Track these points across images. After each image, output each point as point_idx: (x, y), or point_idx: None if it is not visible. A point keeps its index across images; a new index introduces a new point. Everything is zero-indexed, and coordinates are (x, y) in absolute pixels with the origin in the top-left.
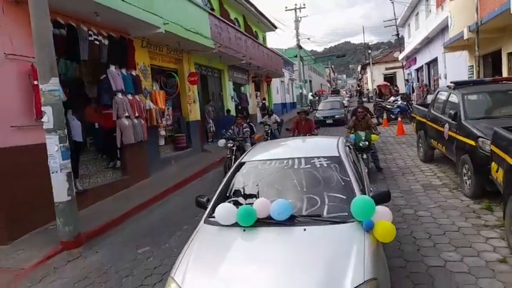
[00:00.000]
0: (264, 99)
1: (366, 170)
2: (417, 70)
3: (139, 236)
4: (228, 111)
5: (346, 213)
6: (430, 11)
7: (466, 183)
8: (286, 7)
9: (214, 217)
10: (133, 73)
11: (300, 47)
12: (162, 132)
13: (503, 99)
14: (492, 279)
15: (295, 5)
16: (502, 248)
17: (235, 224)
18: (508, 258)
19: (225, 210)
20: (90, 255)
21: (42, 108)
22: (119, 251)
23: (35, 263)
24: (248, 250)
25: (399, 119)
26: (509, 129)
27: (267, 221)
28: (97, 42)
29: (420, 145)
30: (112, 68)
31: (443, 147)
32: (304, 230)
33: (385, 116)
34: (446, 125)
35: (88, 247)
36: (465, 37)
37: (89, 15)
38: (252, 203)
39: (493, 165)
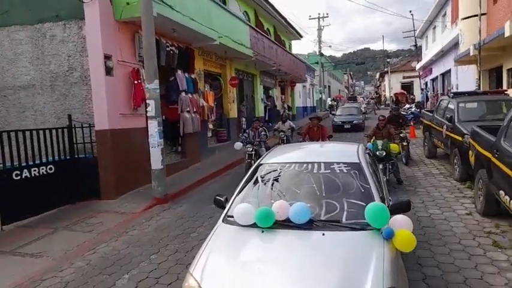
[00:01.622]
0: (283, 102)
1: (385, 179)
2: (433, 80)
3: (207, 198)
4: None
5: (366, 221)
6: (445, 26)
7: (456, 170)
8: (310, 16)
9: (232, 217)
10: (193, 76)
11: (321, 55)
12: (210, 126)
13: (490, 107)
14: (459, 222)
15: (319, 14)
16: (471, 208)
17: (254, 225)
18: (473, 213)
19: (243, 211)
20: (177, 207)
21: (147, 101)
22: (198, 205)
23: (141, 209)
24: (266, 251)
25: (411, 124)
26: (482, 128)
27: (286, 224)
28: (171, 52)
29: (426, 144)
30: (179, 72)
31: (442, 144)
32: (323, 234)
33: None
34: (445, 126)
35: (173, 203)
36: (471, 53)
37: (168, 30)
38: (271, 205)
39: (470, 153)
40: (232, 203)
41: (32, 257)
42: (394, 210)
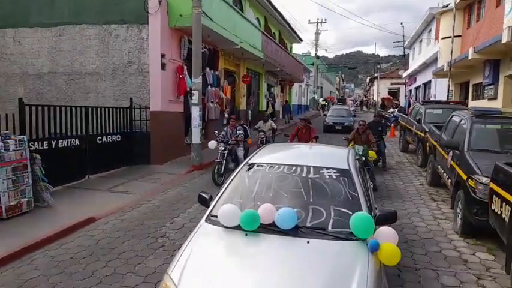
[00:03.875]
0: (286, 101)
1: (372, 185)
2: (416, 88)
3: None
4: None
5: (352, 230)
6: (430, 41)
7: (419, 159)
8: (309, 20)
9: (216, 217)
10: (216, 73)
11: (317, 57)
12: (226, 115)
13: (449, 113)
14: (413, 188)
15: (317, 19)
16: (424, 181)
17: (238, 227)
18: (424, 184)
19: (228, 212)
20: (210, 172)
21: (193, 91)
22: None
23: (185, 172)
24: (249, 256)
25: (392, 125)
26: (437, 127)
27: (271, 228)
28: (204, 53)
29: (401, 141)
30: (207, 69)
31: (412, 140)
32: (308, 242)
33: None
34: (414, 126)
35: (207, 170)
36: (445, 69)
37: (204, 36)
38: (257, 207)
39: (427, 144)
40: (216, 202)
41: (123, 193)
42: (380, 221)
